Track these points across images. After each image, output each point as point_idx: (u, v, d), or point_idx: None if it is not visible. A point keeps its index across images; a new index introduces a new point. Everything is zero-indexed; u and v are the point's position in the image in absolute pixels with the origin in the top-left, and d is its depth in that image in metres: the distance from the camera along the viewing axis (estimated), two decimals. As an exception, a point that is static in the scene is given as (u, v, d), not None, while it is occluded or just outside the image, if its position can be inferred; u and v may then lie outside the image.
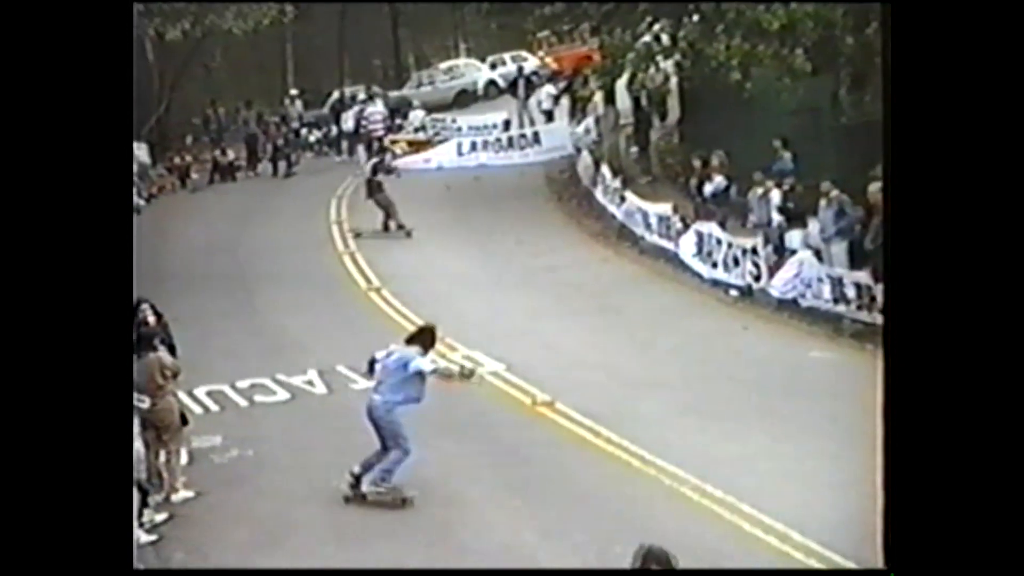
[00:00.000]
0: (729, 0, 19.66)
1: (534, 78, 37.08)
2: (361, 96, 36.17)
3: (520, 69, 36.82)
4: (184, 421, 12.90)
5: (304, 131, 36.47)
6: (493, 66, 41.39)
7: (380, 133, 32.66)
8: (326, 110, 37.53)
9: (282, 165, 33.29)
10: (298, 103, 37.64)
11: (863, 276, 16.54)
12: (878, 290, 16.16)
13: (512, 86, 36.15)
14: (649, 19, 23.79)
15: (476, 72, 41.50)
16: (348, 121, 34.74)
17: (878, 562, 5.74)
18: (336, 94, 37.57)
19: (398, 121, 35.48)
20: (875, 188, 17.29)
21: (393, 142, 33.69)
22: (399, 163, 31.82)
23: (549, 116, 32.18)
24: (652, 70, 25.32)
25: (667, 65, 25.34)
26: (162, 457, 12.62)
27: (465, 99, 40.02)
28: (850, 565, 10.02)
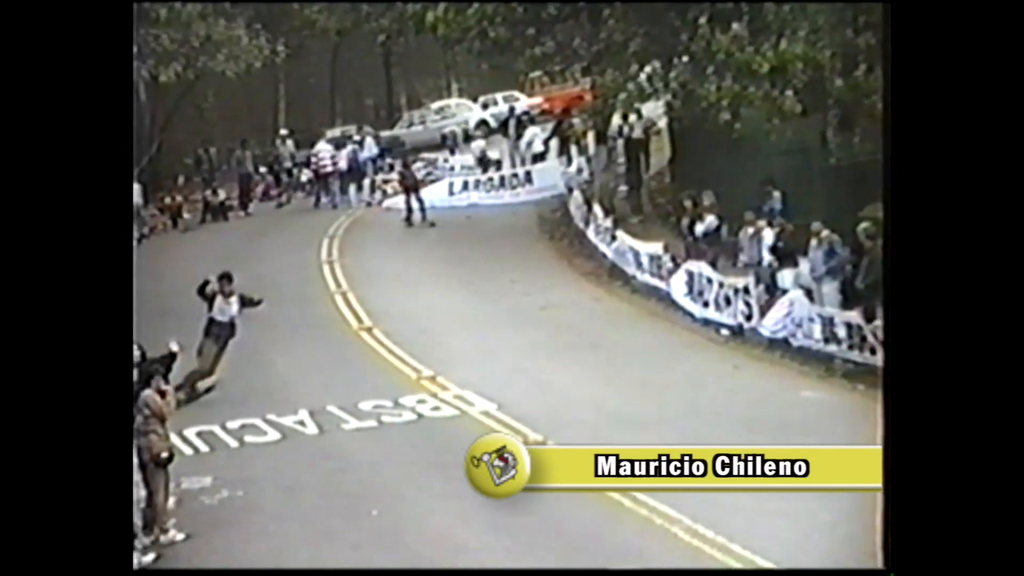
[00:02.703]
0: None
1: (524, 118, 37.25)
2: (356, 136, 36.41)
3: (512, 109, 36.98)
4: (169, 459, 12.86)
5: (295, 171, 36.53)
6: (485, 106, 41.56)
7: (328, 170, 33.44)
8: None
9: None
10: (289, 143, 37.72)
11: (854, 316, 16.62)
12: (869, 330, 16.25)
13: (503, 126, 36.32)
14: (639, 61, 23.96)
15: (467, 112, 41.68)
16: (341, 160, 34.87)
17: (877, 562, 5.92)
18: (328, 134, 37.66)
19: (389, 160, 35.65)
20: (864, 227, 17.42)
21: (385, 181, 33.81)
22: (389, 203, 31.96)
23: (537, 157, 32.34)
24: (634, 116, 25.55)
25: (653, 107, 25.52)
26: (144, 494, 12.56)
27: (456, 140, 40.16)
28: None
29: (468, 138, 38.75)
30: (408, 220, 28.15)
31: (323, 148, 34.54)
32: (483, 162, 32.05)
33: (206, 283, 17.13)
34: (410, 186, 28.40)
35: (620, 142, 27.86)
